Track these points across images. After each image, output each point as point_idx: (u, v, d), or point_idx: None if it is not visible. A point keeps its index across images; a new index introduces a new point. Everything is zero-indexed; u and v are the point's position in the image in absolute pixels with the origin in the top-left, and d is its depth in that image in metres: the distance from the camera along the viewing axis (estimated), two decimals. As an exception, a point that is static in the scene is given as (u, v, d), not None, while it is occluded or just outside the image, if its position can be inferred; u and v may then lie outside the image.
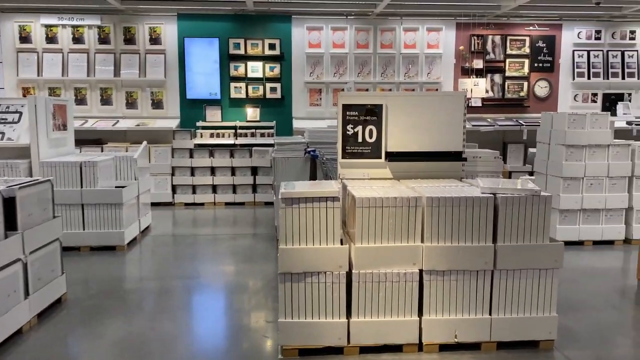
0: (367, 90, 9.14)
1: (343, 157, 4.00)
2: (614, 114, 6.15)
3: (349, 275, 3.24)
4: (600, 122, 5.80)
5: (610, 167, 5.84)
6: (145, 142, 6.78)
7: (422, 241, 3.27)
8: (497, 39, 9.31)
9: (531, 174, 8.71)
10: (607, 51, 9.36)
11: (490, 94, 9.39)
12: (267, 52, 8.91)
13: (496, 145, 9.20)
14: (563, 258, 3.33)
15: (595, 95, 9.41)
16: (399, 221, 3.23)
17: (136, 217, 6.25)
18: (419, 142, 4.00)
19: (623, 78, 9.30)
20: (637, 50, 9.35)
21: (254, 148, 8.52)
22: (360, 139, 3.97)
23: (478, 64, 9.32)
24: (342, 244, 3.29)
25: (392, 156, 3.98)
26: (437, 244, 3.25)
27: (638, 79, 9.30)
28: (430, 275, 3.25)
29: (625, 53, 9.33)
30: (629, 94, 8.95)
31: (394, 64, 9.21)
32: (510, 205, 3.24)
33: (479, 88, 9.16)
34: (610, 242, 5.98)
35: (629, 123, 8.33)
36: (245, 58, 8.93)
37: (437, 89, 9.31)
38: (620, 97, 6.36)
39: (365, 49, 9.14)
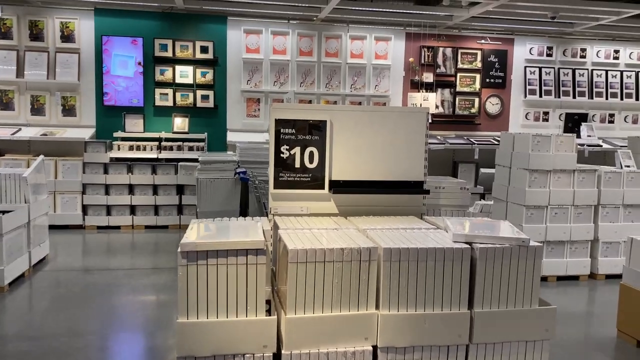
0: (310, 102, 8.33)
1: (275, 187, 3.12)
2: (577, 135, 5.64)
3: (277, 357, 2.36)
4: (566, 144, 5.24)
5: (576, 194, 5.28)
6: (41, 157, 5.62)
7: (377, 308, 2.43)
8: (449, 51, 8.77)
9: (483, 195, 8.19)
10: (559, 69, 9.03)
11: (441, 109, 8.81)
12: (199, 55, 7.92)
13: (446, 164, 8.63)
14: (555, 326, 2.59)
15: (546, 114, 9.05)
16: (347, 281, 2.39)
17: (25, 248, 5.10)
18: (372, 169, 3.19)
19: (574, 97, 9.00)
20: (587, 69, 9.08)
21: (180, 163, 7.47)
22: (297, 164, 3.11)
23: (428, 77, 8.74)
24: (269, 313, 2.40)
25: (338, 186, 3.15)
26: (397, 311, 2.43)
27: (589, 98, 9.03)
28: (388, 353, 2.42)
29: (577, 71, 9.03)
30: (593, 115, 8.63)
31: (339, 74, 8.46)
32: (492, 258, 2.47)
33: (428, 103, 8.55)
34: (575, 278, 5.41)
35: (581, 145, 7.96)
36: (174, 61, 7.90)
37: (384, 103, 8.64)
38: (584, 118, 5.88)
39: (309, 57, 8.34)
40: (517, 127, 8.98)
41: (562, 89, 9.00)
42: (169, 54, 7.86)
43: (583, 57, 9.08)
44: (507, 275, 2.49)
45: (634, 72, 9.17)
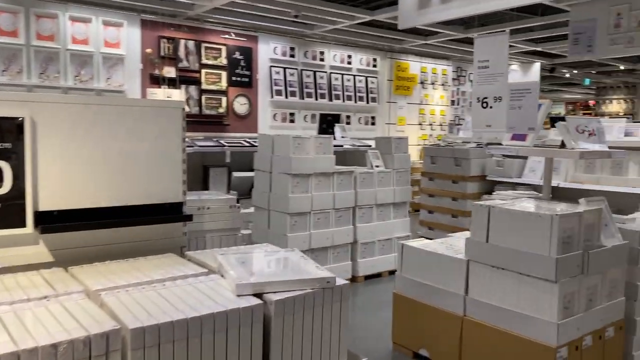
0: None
1: None
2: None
3: None
4: (325, 146, 4.99)
5: (336, 197, 5.08)
6: None
7: None
8: (191, 44, 7.95)
9: (237, 201, 7.64)
10: (302, 70, 9.10)
11: (187, 108, 7.94)
12: None
13: (196, 170, 7.80)
14: (365, 382, 2.05)
15: (292, 114, 9.03)
16: (68, 397, 1.37)
17: None
18: (106, 190, 2.17)
19: (317, 99, 9.20)
20: (326, 72, 9.38)
21: None
22: (-26, 189, 1.90)
23: (170, 72, 7.77)
24: None
25: (50, 221, 2.04)
26: None
27: (330, 100, 9.35)
28: None
29: (317, 73, 9.25)
30: (348, 116, 8.86)
31: (58, 62, 6.83)
32: (291, 312, 1.77)
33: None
34: (338, 284, 5.23)
35: (339, 145, 8.12)
36: None
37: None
38: (336, 119, 5.82)
39: (13, 38, 6.49)
40: (266, 128, 8.73)
41: (305, 90, 9.11)
42: None
43: (322, 59, 9.35)
44: (309, 329, 1.83)
45: (364, 77, 9.87)
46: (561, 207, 3.01)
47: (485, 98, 3.57)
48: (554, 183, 6.25)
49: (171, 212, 2.31)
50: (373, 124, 10.09)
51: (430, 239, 7.44)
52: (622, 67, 12.84)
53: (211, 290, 1.78)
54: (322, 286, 1.84)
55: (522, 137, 3.70)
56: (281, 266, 1.98)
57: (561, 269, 2.77)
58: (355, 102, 9.69)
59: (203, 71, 8.08)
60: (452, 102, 11.63)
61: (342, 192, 5.13)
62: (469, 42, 10.10)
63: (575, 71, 14.03)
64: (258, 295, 1.75)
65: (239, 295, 1.72)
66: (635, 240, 3.29)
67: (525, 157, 6.58)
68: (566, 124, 3.46)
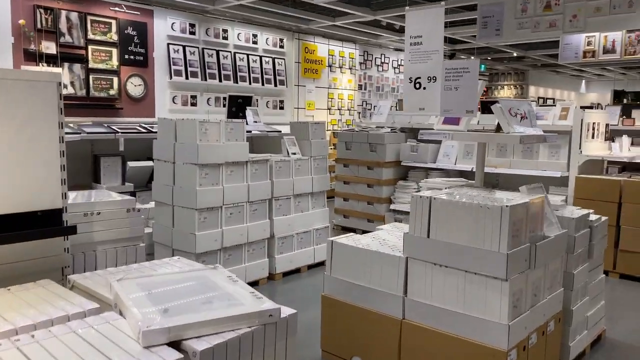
0: None
1: None
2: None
3: None
4: (236, 132, 4.46)
5: (251, 189, 4.59)
6: None
7: None
8: (74, 16, 6.95)
9: (134, 194, 6.85)
10: (203, 49, 8.38)
11: (71, 90, 6.96)
12: None
13: (84, 160, 6.87)
14: None
15: (194, 97, 8.31)
16: None
17: None
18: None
19: (220, 80, 8.54)
20: (230, 52, 8.74)
21: None
22: None
23: (50, 47, 6.73)
24: None
25: None
26: None
27: (235, 82, 8.73)
28: None
29: (220, 53, 8.58)
30: (256, 99, 8.22)
31: None
32: (223, 361, 1.29)
33: (53, 81, 6.57)
34: (255, 283, 4.76)
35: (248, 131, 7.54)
36: None
37: (-14, 79, 6.20)
38: (248, 101, 5.26)
39: None
40: (165, 112, 7.94)
41: (207, 71, 8.41)
42: None
43: (225, 38, 8.68)
44: (247, 379, 1.36)
45: (271, 58, 9.34)
46: (506, 197, 2.78)
47: (418, 78, 3.26)
48: (468, 168, 6.23)
49: (47, 223, 1.71)
50: (282, 108, 9.63)
51: (347, 228, 7.23)
52: (515, 54, 13.45)
53: (105, 339, 1.25)
54: (263, 322, 1.37)
55: (454, 121, 3.45)
56: (203, 294, 1.49)
57: (512, 265, 2.53)
58: (263, 84, 9.16)
59: (90, 47, 7.11)
60: (360, 86, 11.48)
61: (257, 182, 4.64)
62: (376, 25, 9.94)
63: (473, 57, 14.53)
64: (175, 344, 1.25)
65: (147, 347, 1.21)
66: (571, 228, 3.17)
67: (439, 142, 6.50)
68: (502, 107, 3.25)
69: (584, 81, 21.36)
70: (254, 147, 5.49)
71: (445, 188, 3.26)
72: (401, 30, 10.25)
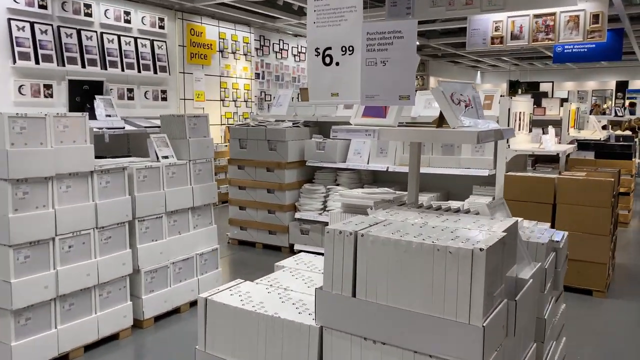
0: None
1: None
2: (92, 115, 3.61)
3: None
4: (74, 130, 3.14)
5: (99, 209, 3.29)
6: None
7: None
8: None
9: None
10: (59, 27, 6.76)
11: None
12: None
13: None
14: None
15: (49, 87, 6.68)
16: None
17: None
18: None
19: (84, 66, 6.98)
20: (96, 31, 7.18)
21: None
22: None
23: None
24: None
25: None
26: None
27: (103, 68, 7.20)
28: None
29: (83, 33, 7.00)
30: (130, 89, 6.67)
31: None
32: None
33: None
34: (113, 337, 3.48)
35: (98, 128, 6.07)
36: None
37: None
38: (98, 89, 3.89)
39: None
40: (9, 105, 6.27)
41: (66, 54, 6.81)
42: None
43: (89, 14, 7.11)
44: None
45: (149, 41, 7.89)
46: (466, 225, 1.81)
47: (328, 49, 2.21)
48: (382, 167, 5.34)
49: None
50: (164, 99, 8.20)
51: (245, 242, 6.07)
52: (417, 43, 12.99)
53: None
54: None
55: (379, 112, 2.44)
56: None
57: (489, 342, 1.56)
58: (139, 71, 7.68)
59: None
60: (257, 75, 10.30)
61: (110, 200, 3.36)
62: (272, 5, 8.82)
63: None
64: None
65: None
66: (541, 257, 2.30)
67: (349, 139, 5.54)
68: (443, 91, 2.30)
69: (479, 72, 21.79)
70: (113, 150, 4.17)
71: (370, 208, 2.25)
72: (300, 12, 9.21)
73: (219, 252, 4.28)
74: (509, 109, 4.71)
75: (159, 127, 4.59)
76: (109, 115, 3.66)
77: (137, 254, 3.57)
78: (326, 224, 5.33)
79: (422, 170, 5.15)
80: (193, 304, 4.03)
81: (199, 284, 4.06)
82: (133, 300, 3.59)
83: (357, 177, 5.64)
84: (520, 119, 5.09)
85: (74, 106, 3.62)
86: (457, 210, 2.16)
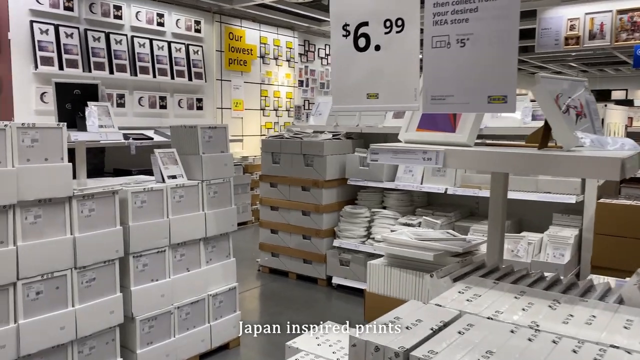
0: None
1: None
2: (82, 126, 2.95)
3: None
4: (46, 144, 2.48)
5: (79, 245, 2.61)
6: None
7: None
8: None
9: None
10: (86, 30, 6.29)
11: None
12: None
13: None
14: None
15: (74, 94, 6.18)
16: None
17: None
18: None
19: (112, 72, 6.48)
20: (126, 35, 6.69)
21: None
22: None
23: None
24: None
25: None
26: None
27: (133, 75, 6.69)
28: None
29: (112, 37, 6.51)
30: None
31: None
32: None
33: None
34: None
35: (126, 137, 5.51)
36: None
37: None
38: (92, 93, 3.22)
39: None
40: (31, 115, 5.82)
41: (93, 59, 6.33)
42: None
43: (119, 17, 6.62)
44: None
45: (183, 45, 7.34)
46: (613, 329, 0.96)
47: (364, 25, 1.41)
48: (440, 189, 4.45)
49: None
50: (200, 108, 7.63)
51: (277, 271, 5.30)
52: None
53: None
54: None
55: (444, 124, 1.62)
56: None
57: None
58: (173, 77, 7.14)
59: None
60: (300, 82, 9.61)
61: (93, 233, 2.67)
62: (317, 6, 8.11)
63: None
64: None
65: None
66: None
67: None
68: (549, 91, 1.45)
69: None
70: (142, 164, 3.52)
71: (430, 274, 1.43)
72: (347, 14, 8.44)
73: (237, 291, 3.54)
74: (603, 119, 3.75)
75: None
76: (103, 126, 3.00)
77: (130, 298, 2.87)
78: (370, 254, 4.50)
79: (487, 192, 4.10)
80: (204, 356, 3.30)
81: (211, 332, 3.32)
82: (125, 356, 2.89)
83: (407, 199, 4.78)
84: (613, 132, 4.11)
85: (63, 115, 3.01)
86: (583, 292, 1.30)
